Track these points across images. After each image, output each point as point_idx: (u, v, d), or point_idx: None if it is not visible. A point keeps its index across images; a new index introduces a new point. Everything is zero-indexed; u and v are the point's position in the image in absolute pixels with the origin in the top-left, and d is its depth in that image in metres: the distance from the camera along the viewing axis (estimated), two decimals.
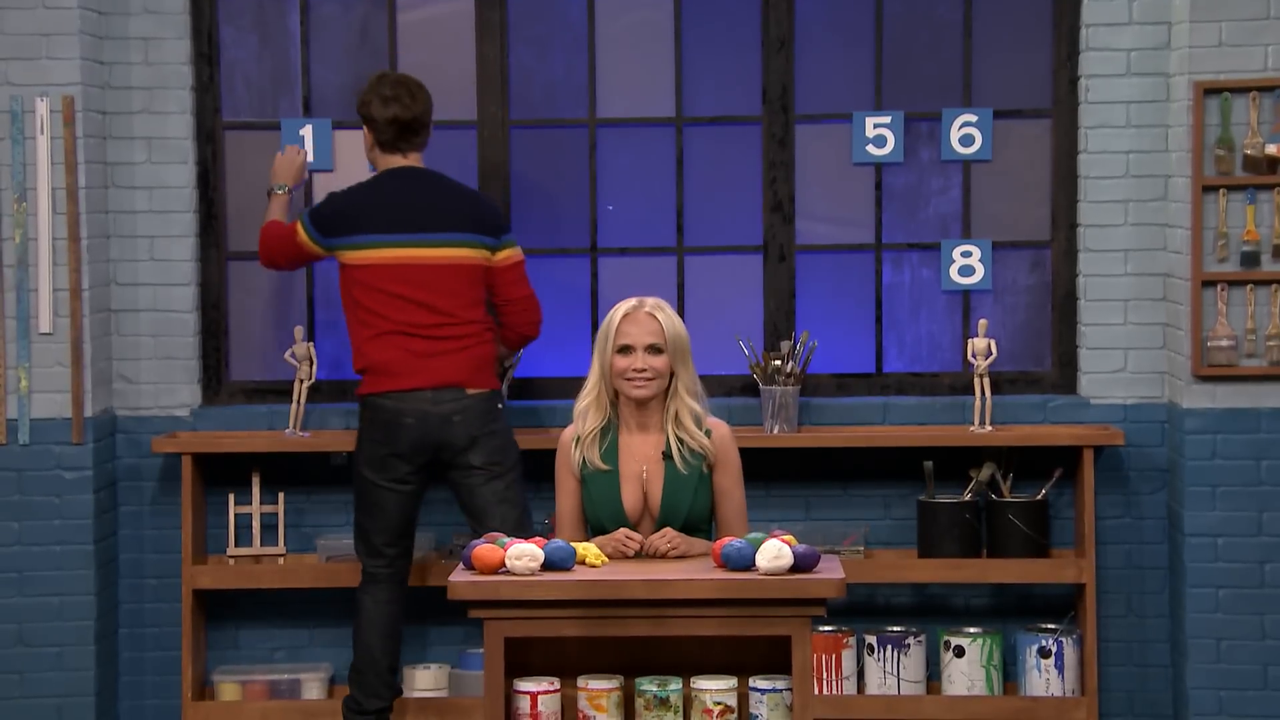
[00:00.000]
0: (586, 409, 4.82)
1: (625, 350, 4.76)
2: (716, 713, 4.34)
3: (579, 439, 4.82)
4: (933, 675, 6.14)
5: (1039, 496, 6.10)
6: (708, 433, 4.81)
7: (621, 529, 4.69)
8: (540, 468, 6.15)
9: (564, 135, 6.38)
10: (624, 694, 4.40)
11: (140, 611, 6.24)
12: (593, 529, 4.81)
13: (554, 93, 6.39)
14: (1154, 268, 6.17)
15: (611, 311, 4.84)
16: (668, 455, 4.78)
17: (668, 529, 4.69)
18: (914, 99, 6.30)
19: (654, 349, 4.76)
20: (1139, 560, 6.18)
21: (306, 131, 6.27)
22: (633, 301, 4.82)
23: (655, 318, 4.77)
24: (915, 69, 6.32)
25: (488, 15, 6.30)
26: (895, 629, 6.12)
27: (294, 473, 6.25)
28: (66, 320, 5.94)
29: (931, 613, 6.25)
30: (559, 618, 4.31)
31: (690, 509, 4.76)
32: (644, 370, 4.74)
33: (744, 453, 5.97)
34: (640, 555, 4.66)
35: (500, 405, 5.78)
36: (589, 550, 4.46)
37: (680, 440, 4.78)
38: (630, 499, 4.77)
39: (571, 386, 6.25)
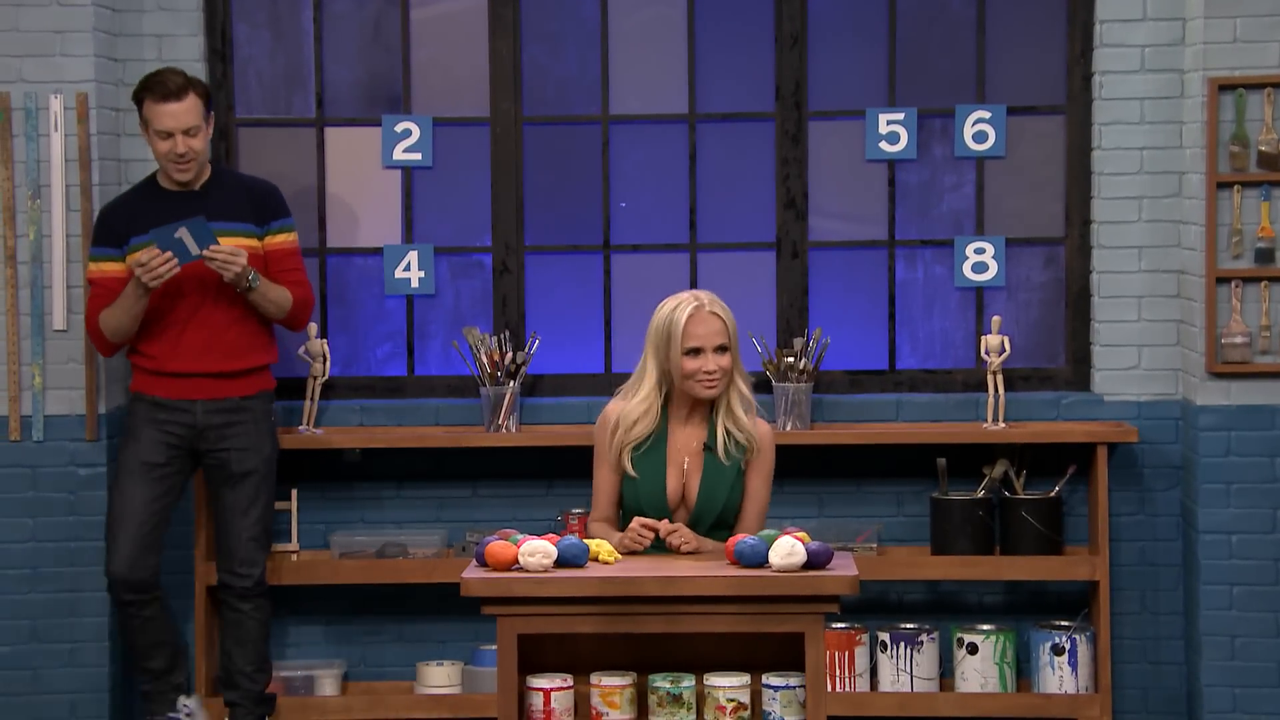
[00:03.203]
0: (641, 417, 4.75)
1: (695, 352, 4.72)
2: (729, 709, 4.34)
3: (620, 433, 4.75)
4: (946, 672, 6.14)
5: (1052, 494, 6.09)
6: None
7: (636, 519, 4.67)
8: (556, 466, 6.16)
9: (577, 132, 6.38)
10: (637, 691, 4.40)
11: None
12: (626, 513, 4.78)
13: (567, 89, 6.39)
14: (1168, 264, 6.16)
15: (670, 311, 4.74)
16: (709, 447, 4.77)
17: (681, 526, 4.68)
18: (927, 95, 6.29)
19: (722, 349, 4.73)
20: (1153, 557, 6.18)
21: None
22: (690, 301, 4.74)
23: (719, 316, 4.72)
24: (929, 65, 6.31)
25: (501, 11, 6.30)
26: (908, 626, 6.11)
27: (307, 469, 6.25)
28: (80, 317, 5.94)
29: (945, 610, 6.25)
30: (572, 614, 4.31)
31: (726, 502, 4.75)
32: (714, 372, 4.72)
33: None
34: (657, 543, 4.64)
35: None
36: (602, 547, 4.46)
37: (729, 431, 4.76)
38: (671, 491, 4.76)
39: (585, 383, 6.28)
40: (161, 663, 5.85)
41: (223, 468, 5.78)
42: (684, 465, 4.77)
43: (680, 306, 4.73)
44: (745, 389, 4.79)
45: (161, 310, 5.68)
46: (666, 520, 4.68)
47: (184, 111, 5.63)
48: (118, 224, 5.71)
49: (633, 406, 4.76)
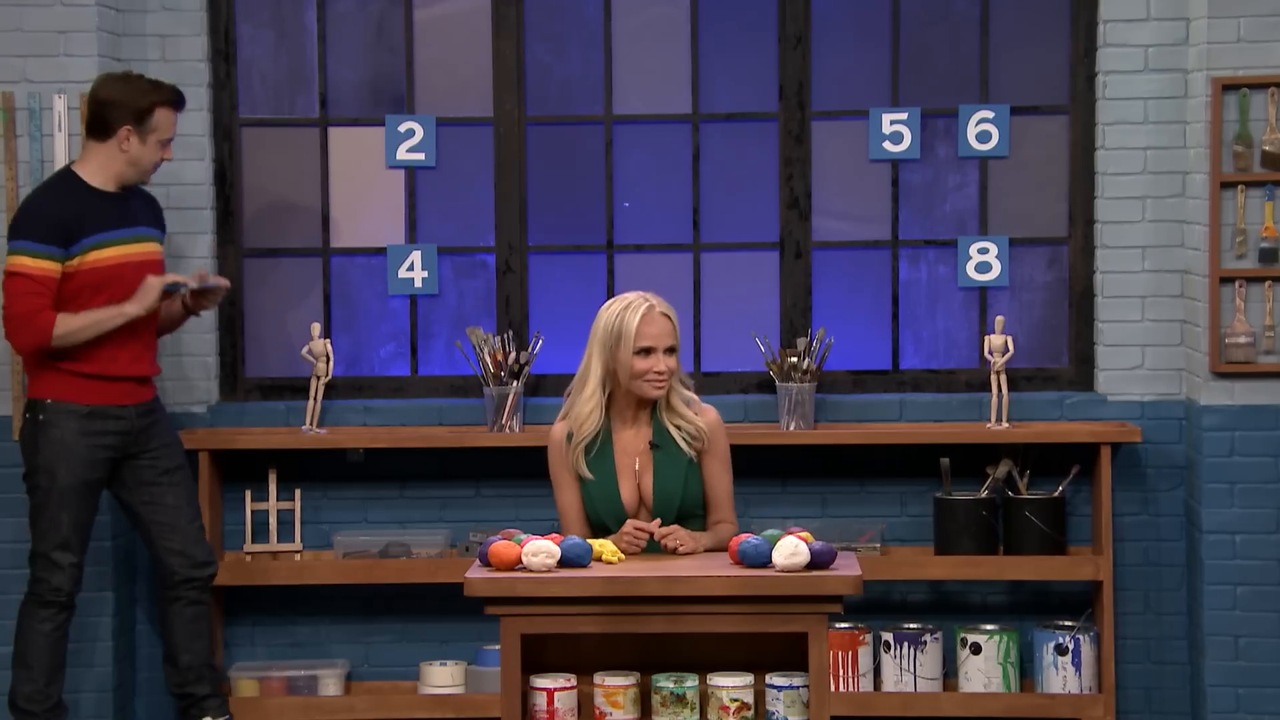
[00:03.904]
0: (589, 414, 4.80)
1: (647, 352, 4.76)
2: (733, 710, 4.34)
3: (571, 439, 4.81)
4: (949, 672, 6.14)
5: (1056, 493, 6.09)
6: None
7: (629, 522, 4.68)
8: None
9: (580, 132, 6.38)
10: (640, 691, 4.40)
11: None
12: (592, 525, 4.81)
13: (570, 89, 6.39)
14: (1172, 264, 6.16)
15: (619, 311, 4.79)
16: (655, 445, 4.79)
17: (675, 526, 4.69)
18: (931, 95, 6.29)
19: (671, 350, 4.79)
20: (1156, 557, 6.17)
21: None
22: (641, 302, 4.79)
23: (669, 317, 4.80)
24: (932, 65, 6.31)
25: (504, 12, 6.30)
26: (912, 626, 6.11)
27: (310, 469, 6.25)
28: None
29: (948, 610, 6.24)
30: (576, 614, 4.31)
31: (683, 497, 4.78)
32: (664, 372, 4.76)
33: (760, 449, 5.97)
34: (652, 545, 4.65)
35: (26, 415, 5.61)
36: (605, 547, 4.46)
37: (676, 427, 4.79)
38: (625, 493, 4.78)
39: None
40: (60, 689, 5.67)
41: (155, 466, 5.69)
42: (634, 467, 4.78)
43: (631, 307, 4.78)
44: (684, 387, 4.84)
45: None
46: (659, 522, 4.69)
47: None
48: (69, 223, 5.51)
49: (580, 405, 4.79)
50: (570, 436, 4.81)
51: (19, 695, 5.62)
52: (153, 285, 5.57)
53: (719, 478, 4.84)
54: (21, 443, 5.65)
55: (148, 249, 5.67)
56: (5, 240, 5.67)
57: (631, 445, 4.82)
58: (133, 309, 5.53)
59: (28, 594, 5.63)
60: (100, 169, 5.60)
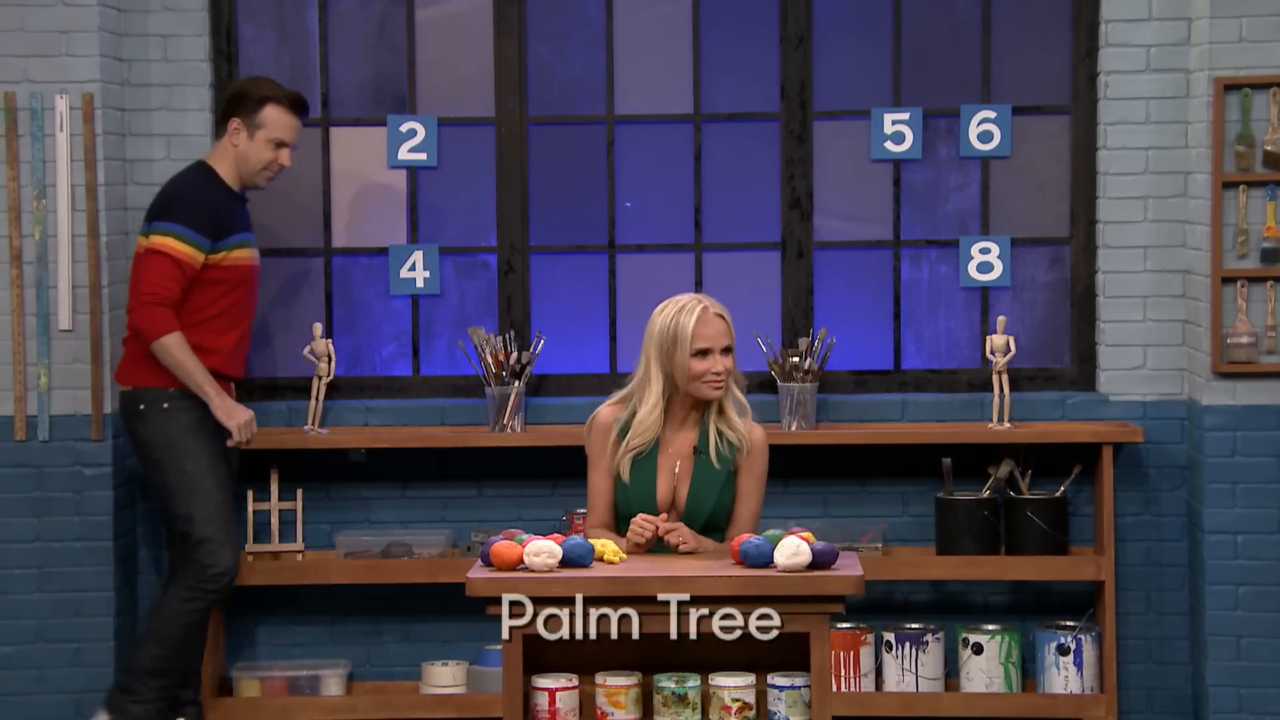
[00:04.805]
0: (650, 425, 4.75)
1: (703, 354, 4.73)
2: (735, 710, 4.34)
3: (623, 438, 4.77)
4: (951, 672, 6.14)
5: (1058, 494, 6.09)
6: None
7: (640, 514, 4.67)
8: (561, 465, 6.16)
9: (582, 132, 6.38)
10: (642, 691, 4.40)
11: None
12: (620, 517, 4.79)
13: (572, 89, 6.39)
14: (1173, 264, 6.16)
15: (675, 314, 4.73)
16: (699, 451, 4.77)
17: (680, 525, 4.68)
18: (932, 95, 6.29)
19: (727, 350, 4.75)
20: (1158, 557, 6.17)
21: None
22: (695, 304, 4.75)
23: (723, 317, 4.76)
24: (934, 65, 6.31)
25: (506, 12, 6.30)
26: (913, 626, 6.11)
27: (312, 469, 6.25)
28: (86, 317, 5.95)
29: (950, 610, 6.24)
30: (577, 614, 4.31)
31: (714, 507, 4.75)
32: (721, 373, 4.73)
33: None
34: (659, 542, 4.65)
35: (141, 406, 5.66)
36: (607, 547, 4.46)
37: (720, 432, 4.76)
38: (661, 493, 4.76)
39: (590, 384, 6.28)
40: (198, 667, 5.79)
41: (231, 461, 5.84)
42: (675, 469, 4.77)
43: (685, 309, 4.74)
44: (739, 392, 4.80)
45: (241, 310, 5.73)
46: (666, 517, 4.68)
47: (300, 128, 5.81)
48: (222, 216, 5.66)
49: (643, 414, 4.76)
50: (623, 433, 4.75)
51: (140, 671, 5.65)
52: (246, 421, 5.69)
53: (748, 496, 4.80)
54: (143, 432, 5.67)
55: (255, 254, 5.81)
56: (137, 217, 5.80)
57: (678, 448, 4.79)
58: (218, 405, 5.64)
59: (186, 582, 5.64)
60: (219, 164, 5.76)
